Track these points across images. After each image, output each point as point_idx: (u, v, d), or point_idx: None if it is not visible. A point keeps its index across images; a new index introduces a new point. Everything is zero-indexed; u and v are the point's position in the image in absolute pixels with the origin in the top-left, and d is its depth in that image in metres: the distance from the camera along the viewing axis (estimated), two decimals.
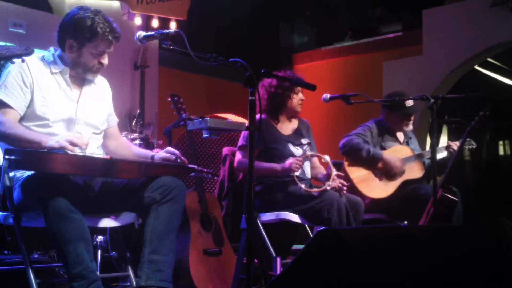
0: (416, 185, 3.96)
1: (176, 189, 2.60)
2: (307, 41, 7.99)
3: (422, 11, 6.32)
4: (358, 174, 3.94)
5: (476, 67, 6.57)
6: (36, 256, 3.58)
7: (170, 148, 2.76)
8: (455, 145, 4.04)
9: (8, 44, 2.25)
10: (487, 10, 5.79)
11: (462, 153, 4.14)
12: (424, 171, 4.03)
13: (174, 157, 2.71)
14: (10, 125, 2.51)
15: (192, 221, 3.53)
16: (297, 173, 3.41)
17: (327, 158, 3.36)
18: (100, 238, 3.78)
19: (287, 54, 7.77)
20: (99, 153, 2.79)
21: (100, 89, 2.89)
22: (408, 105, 3.96)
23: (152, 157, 2.76)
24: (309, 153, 3.50)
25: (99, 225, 2.71)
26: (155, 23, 6.06)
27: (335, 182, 3.30)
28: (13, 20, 4.96)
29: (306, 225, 3.64)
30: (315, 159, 3.64)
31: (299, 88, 3.61)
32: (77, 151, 2.42)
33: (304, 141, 3.64)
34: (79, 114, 2.71)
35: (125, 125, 5.48)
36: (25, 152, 2.34)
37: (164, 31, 2.34)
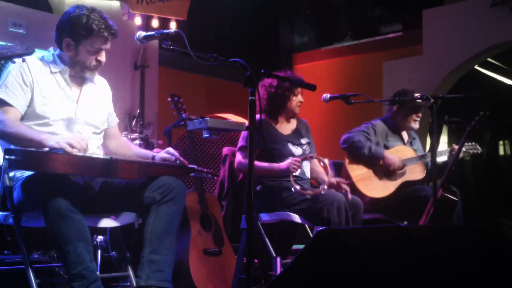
0: (417, 187, 3.96)
1: (176, 189, 2.60)
2: (307, 41, 7.99)
3: (422, 11, 6.32)
4: (358, 172, 3.94)
5: (476, 67, 6.57)
6: (36, 256, 3.58)
7: (170, 149, 2.76)
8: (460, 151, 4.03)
9: (9, 44, 2.25)
10: (487, 10, 5.78)
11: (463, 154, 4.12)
12: (425, 173, 4.03)
13: (174, 158, 2.71)
14: (11, 123, 2.51)
15: (192, 221, 3.54)
16: (296, 173, 3.41)
17: (326, 161, 3.36)
18: (100, 238, 3.78)
19: (287, 54, 7.77)
20: (99, 153, 2.79)
21: (100, 89, 2.89)
22: (418, 99, 3.92)
23: (153, 157, 2.77)
24: (309, 154, 3.49)
25: (99, 225, 2.71)
26: (155, 23, 6.06)
27: (332, 184, 3.31)
28: (13, 20, 4.96)
29: (306, 225, 3.64)
30: (315, 160, 3.64)
31: (299, 90, 3.61)
32: (76, 151, 2.42)
33: (303, 141, 3.64)
34: (79, 114, 2.71)
35: (125, 125, 5.48)
36: (25, 152, 2.34)
37: (164, 31, 2.34)
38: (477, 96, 3.73)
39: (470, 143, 4.14)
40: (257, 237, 3.32)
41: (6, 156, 2.31)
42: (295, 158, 3.34)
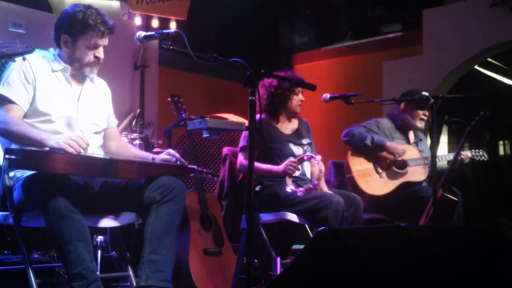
0: (417, 187, 3.96)
1: (176, 189, 2.60)
2: (307, 41, 7.99)
3: (422, 11, 6.32)
4: (359, 167, 3.94)
5: (476, 67, 6.57)
6: (36, 256, 3.58)
7: (171, 150, 2.76)
8: (465, 156, 4.02)
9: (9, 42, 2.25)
10: (487, 10, 5.78)
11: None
12: (426, 176, 4.02)
13: (174, 159, 2.72)
14: (14, 121, 2.52)
15: (192, 221, 3.54)
16: (296, 174, 3.41)
17: (318, 157, 3.37)
18: (100, 238, 3.78)
19: (287, 54, 7.77)
20: (100, 153, 2.79)
21: (100, 90, 2.90)
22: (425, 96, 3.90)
23: (153, 159, 2.77)
24: (306, 155, 3.48)
25: (99, 225, 2.71)
26: (155, 23, 6.06)
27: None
28: (13, 20, 4.96)
29: (306, 225, 3.64)
30: (314, 162, 3.62)
31: (299, 89, 3.61)
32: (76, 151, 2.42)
33: (304, 141, 3.64)
34: (80, 112, 2.72)
35: (125, 125, 5.48)
36: (25, 151, 2.34)
37: (164, 31, 2.34)
38: (477, 96, 3.73)
39: (477, 150, 4.14)
40: (257, 237, 3.32)
41: (6, 156, 2.31)
42: (292, 160, 3.34)
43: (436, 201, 3.45)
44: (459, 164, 4.00)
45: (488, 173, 7.04)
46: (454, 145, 6.75)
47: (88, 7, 2.69)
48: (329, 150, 4.23)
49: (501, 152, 7.39)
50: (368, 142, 3.89)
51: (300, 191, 3.27)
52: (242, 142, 3.53)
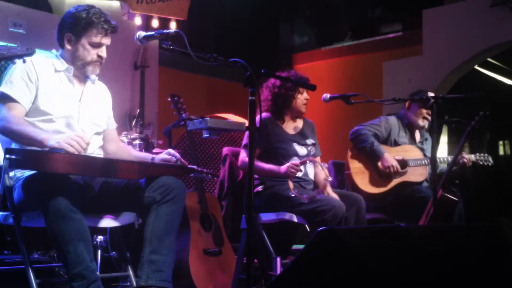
0: (417, 187, 3.96)
1: (176, 189, 2.60)
2: (307, 41, 8.00)
3: (422, 11, 6.33)
4: (357, 165, 3.97)
5: (476, 67, 6.57)
6: (36, 256, 3.58)
7: (171, 150, 2.76)
8: (468, 159, 4.02)
9: (10, 44, 2.25)
10: (487, 10, 5.79)
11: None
12: (426, 177, 4.02)
13: (174, 159, 2.72)
14: (16, 120, 2.52)
15: (192, 221, 3.54)
16: (299, 174, 3.41)
17: (324, 166, 3.38)
18: (100, 238, 3.78)
19: (287, 54, 7.77)
20: (100, 154, 2.80)
21: (100, 92, 2.91)
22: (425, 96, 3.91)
23: (152, 159, 2.77)
24: (308, 159, 3.48)
25: (99, 225, 2.71)
26: (155, 23, 6.06)
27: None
28: (13, 20, 4.96)
29: (306, 225, 3.64)
30: (317, 164, 3.62)
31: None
32: (77, 151, 2.42)
33: (309, 141, 3.63)
34: (81, 112, 2.72)
35: (125, 125, 5.48)
36: (26, 151, 2.35)
37: (164, 31, 2.34)
38: (477, 96, 3.73)
39: (482, 154, 4.14)
40: (257, 237, 3.32)
41: (7, 156, 2.31)
42: (294, 162, 3.33)
43: (436, 201, 3.45)
44: (461, 167, 4.00)
45: (488, 173, 7.04)
46: (454, 145, 6.75)
47: (92, 7, 2.72)
48: (329, 150, 4.24)
49: (501, 152, 7.40)
50: (367, 146, 3.92)
51: (305, 198, 3.26)
52: (245, 140, 3.54)
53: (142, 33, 2.39)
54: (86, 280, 2.36)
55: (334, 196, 3.33)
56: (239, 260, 3.35)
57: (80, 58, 2.71)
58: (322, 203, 3.20)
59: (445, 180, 3.86)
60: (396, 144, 4.06)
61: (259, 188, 3.45)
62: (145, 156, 2.92)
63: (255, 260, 3.52)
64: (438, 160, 3.97)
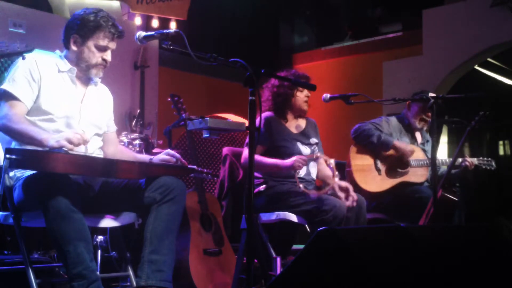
0: (418, 187, 3.96)
1: (176, 189, 2.60)
2: (307, 41, 8.00)
3: (422, 11, 6.33)
4: (359, 162, 3.96)
5: (476, 67, 6.57)
6: (36, 256, 3.58)
7: (170, 151, 2.77)
8: (471, 162, 4.02)
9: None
10: (487, 10, 5.79)
11: (463, 155, 4.12)
12: (425, 178, 4.02)
13: (174, 159, 2.72)
14: (17, 119, 2.52)
15: (192, 221, 3.54)
16: (301, 174, 3.40)
17: (332, 162, 3.36)
18: (100, 238, 3.79)
19: (287, 54, 7.78)
20: (100, 154, 2.80)
21: (103, 94, 2.92)
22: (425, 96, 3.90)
23: (150, 160, 2.77)
24: (316, 154, 3.48)
25: (99, 225, 2.71)
26: (155, 23, 6.06)
27: (341, 187, 3.30)
28: (13, 20, 4.96)
29: (306, 225, 3.64)
30: (321, 161, 3.63)
31: None
32: (76, 148, 2.42)
33: (312, 141, 3.63)
34: (82, 113, 2.73)
35: (125, 125, 5.48)
36: (26, 151, 2.34)
37: (164, 31, 2.34)
38: (477, 96, 3.73)
39: (485, 159, 4.13)
40: (257, 237, 3.32)
41: (7, 156, 2.30)
42: (301, 156, 3.33)
43: (436, 201, 3.45)
44: (463, 170, 4.00)
45: (488, 174, 7.04)
46: (454, 145, 6.75)
47: (100, 10, 2.73)
48: (329, 150, 4.21)
49: (501, 152, 7.40)
50: (374, 139, 3.90)
51: (313, 193, 3.26)
52: (248, 138, 3.53)
53: (142, 33, 2.39)
54: (86, 280, 2.36)
55: (344, 185, 3.32)
56: (239, 260, 3.35)
57: (84, 60, 2.71)
58: (323, 203, 3.19)
59: (445, 180, 3.86)
60: None
61: (261, 187, 3.45)
62: (144, 157, 2.93)
63: (255, 260, 3.52)
64: (439, 161, 3.97)
